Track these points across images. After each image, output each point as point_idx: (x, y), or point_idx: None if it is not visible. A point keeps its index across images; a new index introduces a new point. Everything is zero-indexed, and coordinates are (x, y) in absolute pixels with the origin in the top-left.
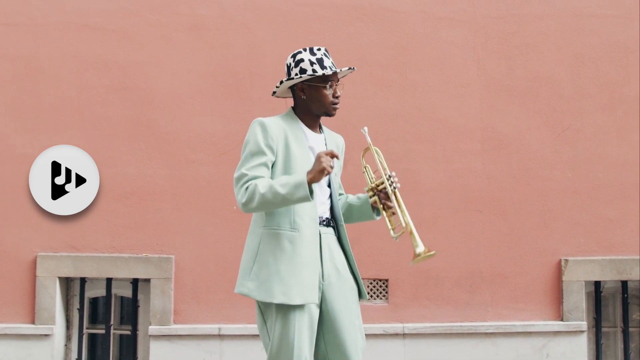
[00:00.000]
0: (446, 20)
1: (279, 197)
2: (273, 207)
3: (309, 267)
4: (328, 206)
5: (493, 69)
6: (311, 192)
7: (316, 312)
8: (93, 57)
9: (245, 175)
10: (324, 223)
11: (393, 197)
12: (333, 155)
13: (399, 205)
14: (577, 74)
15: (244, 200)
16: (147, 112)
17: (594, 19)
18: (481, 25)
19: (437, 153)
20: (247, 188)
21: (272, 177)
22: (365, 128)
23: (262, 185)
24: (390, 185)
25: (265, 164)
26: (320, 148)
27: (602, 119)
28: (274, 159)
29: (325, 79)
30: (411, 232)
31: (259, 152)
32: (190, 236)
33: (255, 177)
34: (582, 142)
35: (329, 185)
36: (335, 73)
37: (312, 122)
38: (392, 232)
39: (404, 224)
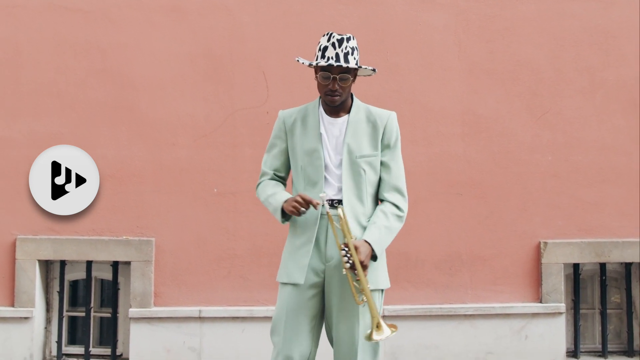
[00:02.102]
0: (427, 4)
1: (270, 209)
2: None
3: (302, 249)
4: (337, 188)
5: (474, 52)
6: (288, 218)
7: (312, 293)
8: (72, 39)
9: (261, 170)
10: (331, 205)
11: (351, 272)
12: (305, 202)
13: (360, 282)
14: (558, 58)
15: (257, 197)
16: (127, 94)
17: (574, 3)
18: (462, 9)
19: (418, 136)
20: (258, 186)
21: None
22: (323, 195)
23: (263, 192)
24: (345, 262)
25: (276, 155)
26: (332, 133)
27: (581, 103)
28: (285, 146)
29: (322, 67)
30: (378, 323)
31: (272, 144)
32: (171, 219)
33: (264, 174)
34: (562, 126)
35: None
36: (332, 65)
37: (329, 107)
38: (356, 297)
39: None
